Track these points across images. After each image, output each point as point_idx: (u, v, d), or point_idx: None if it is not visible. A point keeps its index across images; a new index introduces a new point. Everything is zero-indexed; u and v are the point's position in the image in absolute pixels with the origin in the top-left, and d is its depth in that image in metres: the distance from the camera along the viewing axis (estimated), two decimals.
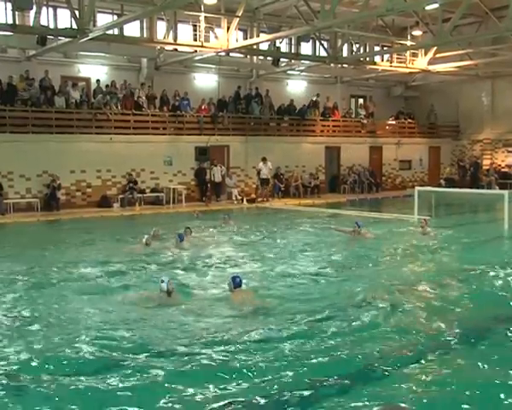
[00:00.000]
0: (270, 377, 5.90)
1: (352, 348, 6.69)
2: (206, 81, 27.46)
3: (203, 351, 6.63)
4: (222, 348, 6.73)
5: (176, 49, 23.10)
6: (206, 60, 24.63)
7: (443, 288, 9.61)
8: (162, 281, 8.66)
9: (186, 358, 6.43)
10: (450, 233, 15.90)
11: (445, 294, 9.18)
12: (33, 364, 6.23)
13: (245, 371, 6.08)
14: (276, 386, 5.70)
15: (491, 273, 10.55)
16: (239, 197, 25.43)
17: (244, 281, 9.12)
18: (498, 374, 5.92)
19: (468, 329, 7.43)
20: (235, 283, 8.72)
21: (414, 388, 5.67)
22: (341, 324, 7.57)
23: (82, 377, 5.84)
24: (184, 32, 23.45)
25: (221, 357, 6.46)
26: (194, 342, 6.96)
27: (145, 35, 23.13)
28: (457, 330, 7.30)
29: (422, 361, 6.36)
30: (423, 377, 5.94)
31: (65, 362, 6.26)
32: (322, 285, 9.98)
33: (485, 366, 6.16)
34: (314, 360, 6.30)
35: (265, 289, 9.71)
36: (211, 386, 5.70)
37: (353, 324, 7.56)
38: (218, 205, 24.17)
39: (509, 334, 7.20)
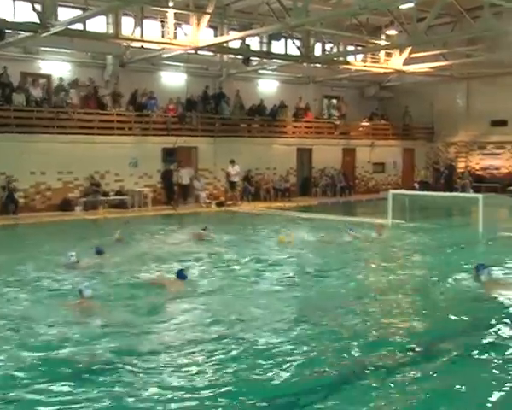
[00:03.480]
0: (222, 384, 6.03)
1: (309, 360, 6.78)
2: (173, 80, 27.36)
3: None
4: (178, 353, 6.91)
5: (142, 47, 22.92)
6: (174, 58, 24.52)
7: (406, 295, 9.74)
8: (85, 288, 8.89)
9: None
10: (422, 237, 16.08)
11: (406, 302, 9.31)
12: None
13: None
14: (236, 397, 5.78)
15: (459, 279, 10.67)
16: (207, 201, 25.42)
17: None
18: (459, 385, 6.04)
19: (426, 340, 7.47)
20: (181, 275, 10.08)
21: (374, 399, 5.75)
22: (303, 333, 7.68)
23: None
24: (152, 28, 23.38)
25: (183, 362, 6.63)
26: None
27: (110, 31, 22.91)
28: (415, 341, 7.35)
29: (383, 371, 6.42)
30: (384, 388, 5.99)
31: None
32: (284, 294, 9.92)
33: (448, 376, 6.28)
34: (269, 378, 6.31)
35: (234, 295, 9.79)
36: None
37: (313, 334, 7.65)
38: (185, 208, 24.10)
39: (471, 344, 7.29)
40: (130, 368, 6.45)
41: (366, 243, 15.15)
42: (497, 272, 10.85)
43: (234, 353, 6.93)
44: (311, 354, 6.93)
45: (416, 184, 31.46)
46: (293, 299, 9.40)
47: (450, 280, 10.66)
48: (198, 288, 10.13)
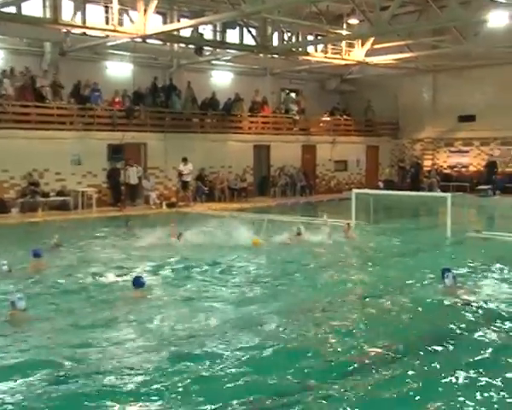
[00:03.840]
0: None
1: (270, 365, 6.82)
2: (119, 70, 27.05)
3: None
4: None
5: (85, 33, 22.67)
6: (119, 46, 24.30)
7: (365, 302, 9.80)
8: (18, 299, 8.66)
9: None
10: (387, 240, 16.18)
11: (364, 309, 9.35)
12: None
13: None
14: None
15: (423, 284, 10.75)
16: (157, 201, 25.23)
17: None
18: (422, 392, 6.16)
19: (384, 347, 7.51)
20: (137, 283, 9.91)
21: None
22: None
23: None
24: (95, 13, 23.17)
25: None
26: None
27: (48, 15, 22.40)
28: (372, 349, 7.41)
29: (350, 378, 6.52)
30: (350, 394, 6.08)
31: None
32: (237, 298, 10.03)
33: (411, 383, 6.37)
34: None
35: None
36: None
37: (273, 340, 7.67)
38: (133, 210, 23.84)
39: (428, 351, 7.37)
40: (65, 387, 6.25)
41: (324, 246, 15.07)
42: (461, 277, 10.94)
43: (187, 367, 6.83)
44: (265, 365, 6.92)
45: (381, 183, 31.75)
46: (249, 308, 9.36)
47: (413, 285, 10.74)
48: (153, 295, 10.08)
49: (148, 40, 23.36)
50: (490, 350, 7.34)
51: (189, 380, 6.42)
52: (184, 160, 25.84)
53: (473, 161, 32.31)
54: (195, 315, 8.81)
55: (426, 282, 10.89)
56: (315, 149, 32.53)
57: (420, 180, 31.54)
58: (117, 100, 25.81)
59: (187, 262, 12.94)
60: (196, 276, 11.74)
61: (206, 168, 27.52)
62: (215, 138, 28.07)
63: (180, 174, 26.11)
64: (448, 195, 17.83)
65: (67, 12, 21.22)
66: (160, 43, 26.77)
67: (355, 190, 19.84)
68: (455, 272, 10.29)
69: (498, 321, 8.47)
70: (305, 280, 11.51)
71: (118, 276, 11.60)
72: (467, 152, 32.55)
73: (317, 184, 32.40)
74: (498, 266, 12.33)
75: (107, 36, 22.60)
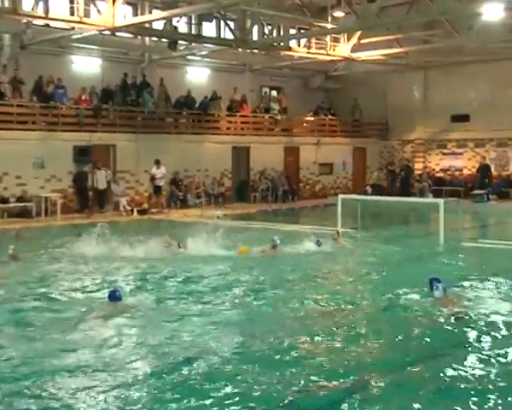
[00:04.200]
0: None
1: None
2: (86, 66, 26.97)
3: None
4: None
5: (47, 25, 22.49)
6: (86, 39, 24.20)
7: (350, 317, 9.76)
8: None
9: None
10: (375, 248, 16.13)
11: (349, 324, 9.29)
12: None
13: None
14: None
15: (413, 297, 10.70)
16: (128, 208, 25.09)
17: None
18: None
19: (369, 367, 7.49)
20: (113, 297, 9.95)
21: None
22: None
23: None
24: (59, 3, 23.03)
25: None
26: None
27: (6, 4, 22.09)
28: (355, 368, 7.40)
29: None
30: None
31: None
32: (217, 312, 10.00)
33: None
34: None
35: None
36: None
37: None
38: (102, 217, 23.56)
39: (414, 371, 7.37)
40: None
41: (310, 255, 15.04)
42: (453, 288, 10.95)
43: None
44: (241, 383, 6.91)
45: (369, 188, 31.81)
46: (226, 322, 9.35)
47: (402, 297, 10.73)
48: (129, 310, 9.99)
49: (117, 33, 23.39)
50: (479, 370, 7.29)
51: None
52: (157, 162, 25.70)
53: (467, 163, 32.41)
54: (177, 332, 8.79)
55: (416, 294, 10.85)
56: (298, 151, 32.49)
57: (410, 185, 31.51)
58: (83, 98, 25.65)
59: (163, 274, 12.93)
60: (174, 289, 11.71)
61: (180, 172, 27.39)
62: (190, 139, 27.95)
63: (152, 178, 25.98)
64: (441, 200, 17.89)
65: (28, 1, 21.04)
66: (130, 36, 26.70)
67: (341, 196, 19.76)
68: (444, 284, 10.26)
69: (491, 337, 8.44)
70: (294, 291, 11.52)
71: (89, 290, 11.52)
72: (460, 154, 32.67)
73: (300, 189, 32.37)
74: (494, 276, 12.31)
75: (73, 28, 22.54)
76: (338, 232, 16.60)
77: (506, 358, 7.67)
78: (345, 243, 16.25)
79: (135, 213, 24.76)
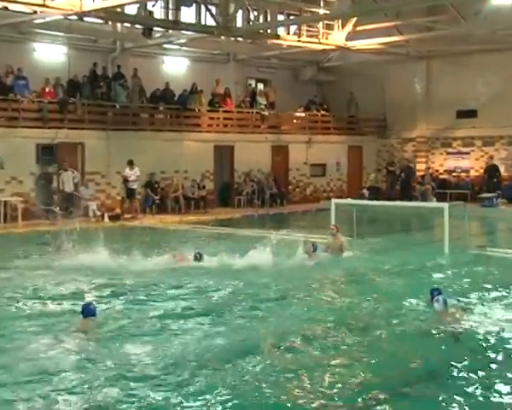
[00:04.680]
0: None
1: None
2: (51, 54, 26.93)
3: None
4: None
5: (6, 8, 22.61)
6: (50, 25, 24.21)
7: (346, 334, 9.77)
8: None
9: None
10: (373, 258, 16.07)
11: (344, 342, 9.37)
12: None
13: None
14: None
15: (413, 311, 10.76)
16: (98, 213, 25.08)
17: None
18: None
19: (364, 389, 7.49)
20: (87, 311, 9.85)
21: None
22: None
23: None
24: None
25: None
26: None
27: None
28: (350, 392, 7.43)
29: None
30: None
31: None
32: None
33: None
34: None
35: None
36: None
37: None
38: (69, 223, 23.32)
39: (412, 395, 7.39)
40: None
41: (298, 267, 15.00)
42: (455, 301, 11.04)
43: None
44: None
45: (366, 191, 31.83)
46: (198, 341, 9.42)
47: (401, 312, 10.84)
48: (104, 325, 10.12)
49: (85, 18, 23.38)
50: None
51: None
52: (130, 163, 25.67)
53: (474, 164, 32.47)
54: (153, 349, 8.92)
55: (416, 308, 10.92)
56: (287, 151, 32.51)
57: (411, 187, 31.62)
58: (47, 90, 25.62)
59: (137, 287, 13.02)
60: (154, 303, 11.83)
61: (156, 173, 27.35)
62: (168, 137, 27.94)
63: (125, 180, 25.99)
64: (445, 204, 17.83)
65: None
66: (99, 22, 26.67)
67: (335, 200, 19.69)
68: (445, 296, 10.31)
69: (490, 358, 8.51)
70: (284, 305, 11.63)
71: (59, 304, 11.60)
72: (467, 154, 32.72)
73: (289, 193, 32.41)
74: (504, 289, 12.36)
75: (35, 12, 22.38)
76: (336, 227, 16.48)
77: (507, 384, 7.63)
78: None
79: (106, 219, 24.75)
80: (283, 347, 9.12)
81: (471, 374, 7.84)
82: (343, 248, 16.16)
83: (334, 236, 16.23)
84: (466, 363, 8.28)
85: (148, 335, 9.71)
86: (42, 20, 23.38)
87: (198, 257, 15.37)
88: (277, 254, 15.57)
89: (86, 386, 7.49)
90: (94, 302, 10.77)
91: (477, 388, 7.42)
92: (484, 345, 9.03)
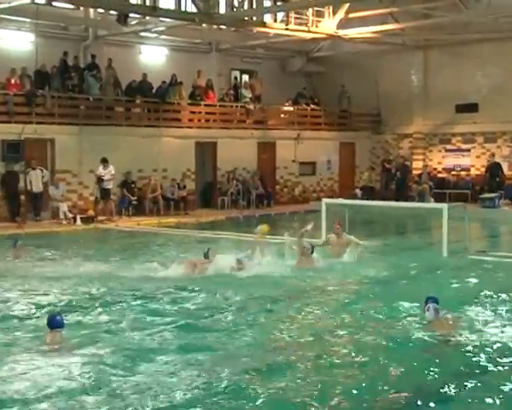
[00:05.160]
0: None
1: None
2: (16, 42, 26.99)
3: None
4: None
5: None
6: (15, 10, 24.11)
7: (333, 345, 9.76)
8: None
9: None
10: (366, 262, 15.98)
11: (331, 355, 9.30)
12: None
13: None
14: None
15: (406, 322, 10.75)
16: (70, 215, 25.03)
17: None
18: None
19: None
20: (54, 323, 9.61)
21: None
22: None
23: None
24: None
25: None
26: None
27: None
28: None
29: None
30: None
31: None
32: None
33: None
34: None
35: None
36: None
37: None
38: (37, 226, 23.56)
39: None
40: None
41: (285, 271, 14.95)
42: (449, 310, 10.90)
43: None
44: None
45: (358, 191, 32.09)
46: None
47: (392, 322, 10.78)
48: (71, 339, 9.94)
49: (54, 3, 23.18)
50: None
51: None
52: (104, 161, 25.69)
53: (475, 162, 32.65)
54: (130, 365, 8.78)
55: (409, 318, 10.88)
56: (274, 148, 32.61)
57: (408, 187, 31.69)
58: (13, 81, 25.65)
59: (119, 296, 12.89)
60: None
61: (133, 172, 27.41)
62: (145, 133, 28.00)
63: (99, 180, 25.97)
64: (444, 205, 17.90)
65: None
66: (70, 7, 26.68)
67: (325, 200, 19.83)
68: (437, 305, 10.23)
69: (484, 373, 8.43)
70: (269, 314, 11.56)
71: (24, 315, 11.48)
72: (467, 151, 32.91)
73: (277, 193, 32.50)
74: (506, 296, 12.32)
75: None
76: (340, 224, 16.57)
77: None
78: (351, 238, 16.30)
79: (78, 222, 24.70)
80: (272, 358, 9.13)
81: (464, 383, 7.88)
82: (351, 245, 16.17)
83: (338, 235, 16.27)
84: (458, 373, 8.34)
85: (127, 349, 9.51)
86: (6, 5, 23.23)
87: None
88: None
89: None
90: (61, 313, 10.57)
91: (469, 397, 7.48)
92: (476, 355, 8.99)
